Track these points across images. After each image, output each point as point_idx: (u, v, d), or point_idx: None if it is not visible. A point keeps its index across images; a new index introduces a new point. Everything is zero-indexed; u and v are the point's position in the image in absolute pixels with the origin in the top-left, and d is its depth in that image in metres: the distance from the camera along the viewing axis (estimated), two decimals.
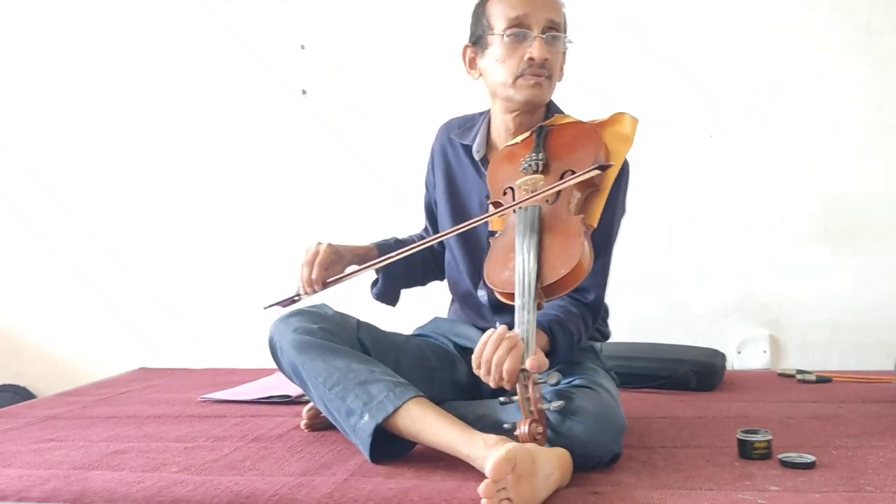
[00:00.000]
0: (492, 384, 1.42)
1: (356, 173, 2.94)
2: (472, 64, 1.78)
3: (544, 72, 1.67)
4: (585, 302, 1.68)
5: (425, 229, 2.01)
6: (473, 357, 1.44)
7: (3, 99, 3.22)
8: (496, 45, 1.69)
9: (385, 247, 1.87)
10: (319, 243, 1.73)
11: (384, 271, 1.85)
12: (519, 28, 1.66)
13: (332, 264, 1.73)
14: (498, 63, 1.69)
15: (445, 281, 1.96)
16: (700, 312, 2.73)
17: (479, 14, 1.74)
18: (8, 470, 1.57)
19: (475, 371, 1.45)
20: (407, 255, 1.70)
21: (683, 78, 2.73)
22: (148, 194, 3.12)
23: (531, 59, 1.65)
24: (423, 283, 2.00)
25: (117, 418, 2.05)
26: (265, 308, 1.74)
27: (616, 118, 1.70)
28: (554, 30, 1.68)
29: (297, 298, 1.74)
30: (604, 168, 1.56)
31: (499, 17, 1.68)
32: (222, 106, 3.04)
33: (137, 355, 3.02)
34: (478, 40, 1.74)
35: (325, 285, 1.71)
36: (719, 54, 2.72)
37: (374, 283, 1.89)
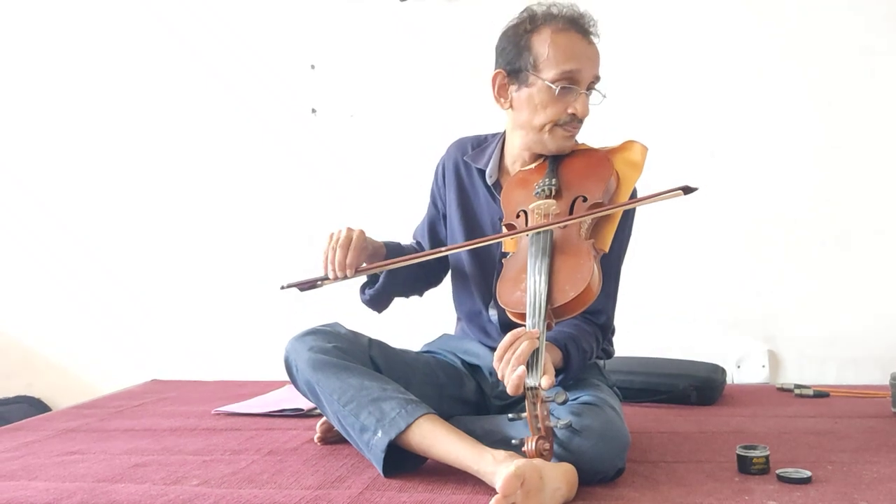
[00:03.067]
0: (506, 380, 1.43)
1: (364, 191, 3.00)
2: (501, 92, 1.76)
3: (580, 125, 1.73)
4: (598, 323, 1.74)
5: (417, 243, 2.03)
6: (500, 346, 1.45)
7: (17, 114, 3.29)
8: (540, 90, 1.68)
9: (391, 248, 1.88)
10: (351, 228, 1.73)
11: (387, 277, 1.84)
12: (570, 83, 1.67)
13: (363, 251, 1.74)
14: (538, 107, 1.69)
15: (451, 298, 2.00)
16: (700, 327, 2.78)
17: (523, 45, 1.70)
18: (35, 483, 1.63)
19: (495, 364, 1.46)
20: (413, 263, 1.74)
21: (684, 95, 2.79)
22: (160, 208, 3.18)
23: (574, 114, 1.68)
24: (408, 294, 2.00)
25: (135, 431, 2.11)
26: (282, 288, 1.73)
27: (626, 146, 1.76)
28: (595, 84, 1.72)
29: (320, 283, 1.72)
30: (689, 191, 1.57)
31: (549, 63, 1.67)
32: (234, 123, 3.10)
33: (148, 366, 3.08)
34: (516, 72, 1.71)
35: (357, 272, 1.71)
36: (720, 68, 2.78)
37: (365, 287, 1.89)
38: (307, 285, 1.74)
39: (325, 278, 1.72)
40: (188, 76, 3.14)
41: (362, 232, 1.74)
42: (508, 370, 1.44)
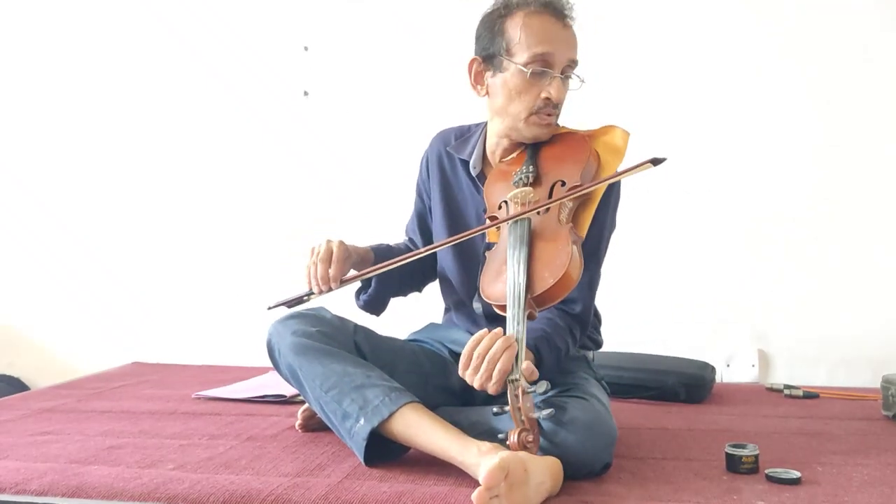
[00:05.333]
0: (477, 384, 1.42)
1: (357, 175, 2.95)
2: (478, 79, 1.73)
3: (556, 111, 1.67)
4: (573, 313, 1.69)
5: (410, 240, 2.00)
6: (464, 351, 1.44)
7: None
8: (514, 75, 1.64)
9: (380, 251, 1.87)
10: (330, 241, 1.71)
11: (378, 280, 1.83)
12: (543, 66, 1.62)
13: (345, 262, 1.72)
14: (513, 93, 1.65)
15: (439, 288, 1.96)
16: (690, 325, 2.74)
17: (496, 30, 1.66)
18: (5, 462, 1.59)
19: (461, 373, 1.45)
20: (405, 264, 1.71)
21: (682, 94, 2.75)
22: (146, 190, 3.13)
23: (548, 99, 1.64)
24: (406, 293, 1.98)
25: (112, 413, 2.07)
26: (270, 308, 1.73)
27: (607, 130, 1.71)
28: (571, 68, 1.66)
29: (306, 298, 1.72)
30: (658, 162, 1.49)
31: (521, 47, 1.62)
32: (224, 105, 3.05)
33: (130, 349, 3.04)
34: (490, 58, 1.68)
35: (342, 283, 1.70)
36: (719, 67, 2.75)
37: (360, 292, 1.87)
38: (294, 302, 1.73)
39: (311, 293, 1.72)
40: (177, 57, 3.08)
41: (342, 243, 1.72)
42: (481, 376, 1.41)
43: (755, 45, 2.74)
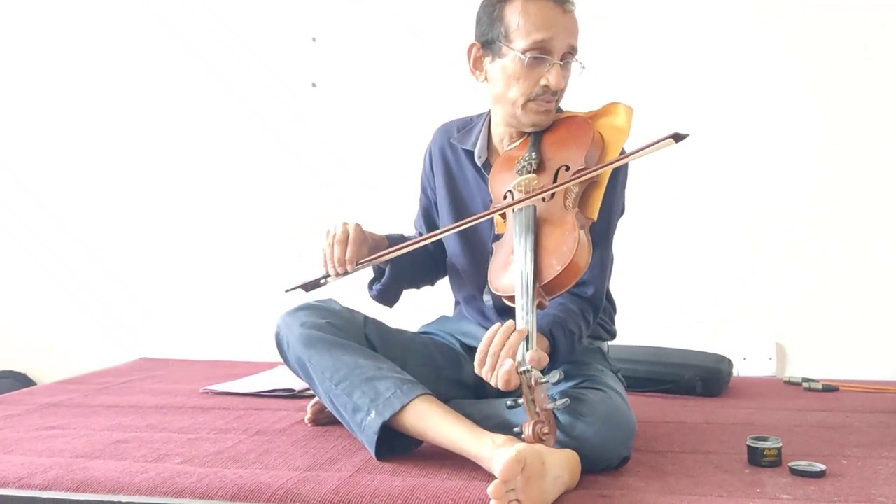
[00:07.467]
0: (493, 382, 1.39)
1: (365, 166, 2.92)
2: (477, 64, 1.69)
3: (555, 98, 1.64)
4: (585, 297, 1.65)
5: (419, 233, 1.97)
6: (479, 349, 1.40)
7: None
8: (512, 60, 1.60)
9: (394, 239, 1.82)
10: (346, 223, 1.68)
11: (392, 268, 1.80)
12: (541, 53, 1.58)
13: (362, 244, 1.68)
14: (511, 80, 1.61)
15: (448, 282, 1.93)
16: (706, 318, 2.71)
17: (495, 16, 1.63)
18: (9, 457, 1.56)
19: (478, 371, 1.42)
20: (416, 251, 1.68)
21: (683, 92, 2.72)
22: (153, 184, 3.10)
23: (547, 86, 1.60)
24: (419, 285, 1.95)
25: (119, 407, 2.04)
26: (287, 291, 1.71)
27: (609, 109, 1.67)
28: (571, 55, 1.62)
29: (323, 282, 1.69)
30: (680, 138, 1.40)
31: (520, 32, 1.58)
32: (232, 97, 3.02)
33: (138, 344, 3.02)
34: (489, 44, 1.65)
35: (357, 266, 1.67)
36: (720, 66, 2.72)
37: (373, 283, 1.84)
38: (311, 286, 1.71)
39: (327, 276, 1.69)
40: (184, 49, 3.05)
41: (358, 225, 1.68)
42: (498, 374, 1.36)
43: (756, 43, 2.71)
